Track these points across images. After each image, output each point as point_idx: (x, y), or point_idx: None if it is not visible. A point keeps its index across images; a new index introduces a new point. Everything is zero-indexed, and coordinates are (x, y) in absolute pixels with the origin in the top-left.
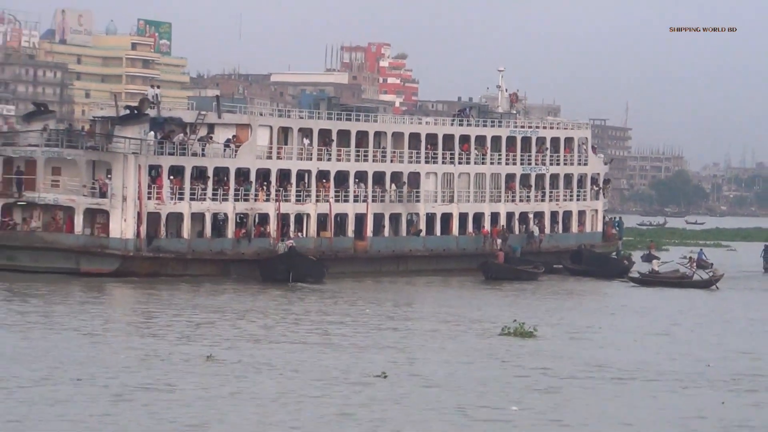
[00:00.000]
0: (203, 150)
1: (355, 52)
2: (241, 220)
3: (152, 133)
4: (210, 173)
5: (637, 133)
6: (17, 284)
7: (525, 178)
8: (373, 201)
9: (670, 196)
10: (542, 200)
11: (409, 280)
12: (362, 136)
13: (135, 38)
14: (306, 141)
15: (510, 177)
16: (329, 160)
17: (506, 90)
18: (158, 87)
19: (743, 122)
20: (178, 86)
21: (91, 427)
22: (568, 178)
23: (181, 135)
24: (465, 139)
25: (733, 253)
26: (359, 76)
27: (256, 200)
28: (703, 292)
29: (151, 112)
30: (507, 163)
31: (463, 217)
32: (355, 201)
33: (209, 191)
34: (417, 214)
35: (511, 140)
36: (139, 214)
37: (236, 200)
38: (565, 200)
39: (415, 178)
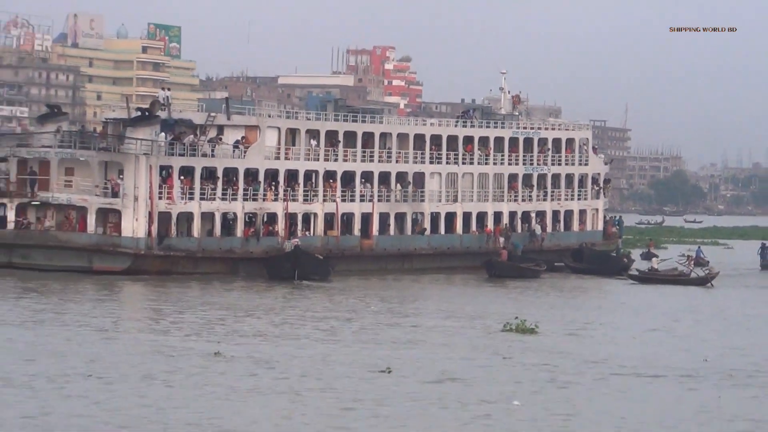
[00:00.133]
0: (213, 151)
1: (361, 55)
2: (250, 219)
3: (163, 134)
4: (219, 173)
5: (636, 134)
6: (31, 282)
7: (527, 178)
8: (378, 200)
9: (668, 196)
10: (544, 200)
11: (414, 277)
12: (368, 137)
13: (145, 42)
14: (313, 142)
15: (513, 177)
16: (336, 160)
17: (509, 92)
18: (169, 89)
19: (740, 123)
20: (187, 89)
21: (102, 421)
22: (569, 178)
23: (192, 136)
24: (468, 140)
25: (730, 251)
26: (364, 79)
27: (264, 200)
28: (700, 289)
29: (162, 114)
30: (510, 164)
31: (466, 216)
32: (362, 200)
33: (219, 191)
34: (422, 213)
35: (513, 141)
36: (150, 214)
37: (245, 200)
38: (566, 199)
39: (419, 178)
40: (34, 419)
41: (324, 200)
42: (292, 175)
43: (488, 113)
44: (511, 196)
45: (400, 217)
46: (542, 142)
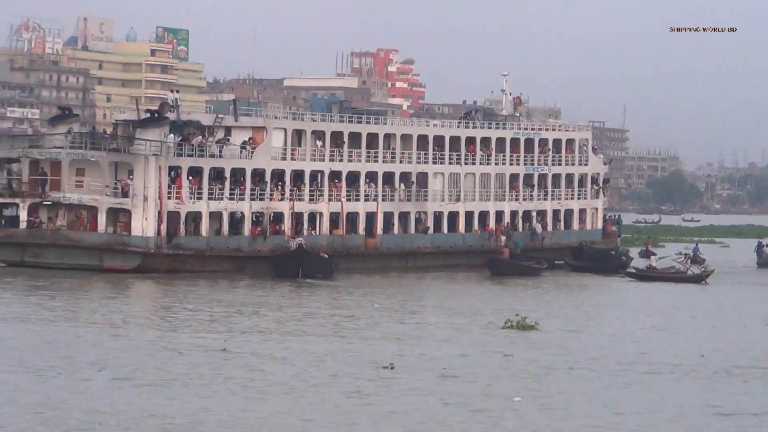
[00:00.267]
0: (221, 152)
1: (365, 57)
2: (257, 218)
3: (172, 135)
4: (227, 174)
5: (635, 135)
6: (43, 280)
7: (528, 177)
8: (383, 200)
9: (666, 195)
10: (545, 199)
11: (418, 275)
12: (372, 138)
13: (154, 45)
14: (319, 143)
15: (514, 177)
16: (341, 161)
17: (510, 93)
18: (177, 91)
19: (736, 123)
20: (195, 91)
21: (111, 413)
22: (569, 177)
23: (200, 137)
24: (471, 140)
25: (727, 249)
26: (368, 81)
27: (271, 199)
28: (695, 286)
29: (171, 116)
30: (511, 164)
31: (469, 215)
32: (366, 200)
33: (226, 191)
34: (425, 213)
35: (514, 142)
36: (159, 213)
37: (252, 200)
38: (566, 199)
39: (423, 178)
40: (44, 413)
41: (329, 200)
42: (298, 176)
43: (490, 114)
44: (512, 196)
45: (404, 217)
46: (543, 142)
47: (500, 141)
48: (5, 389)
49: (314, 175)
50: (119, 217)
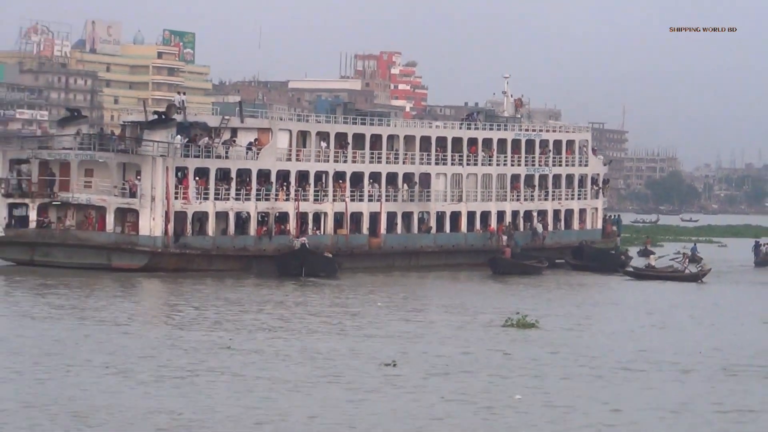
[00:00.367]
0: (227, 152)
1: (368, 60)
2: (263, 218)
3: (179, 136)
4: (233, 174)
5: (634, 136)
6: (52, 279)
7: (529, 178)
8: (386, 200)
9: (664, 195)
10: (545, 199)
11: (420, 274)
12: (376, 139)
13: (161, 47)
14: (323, 144)
15: (515, 177)
16: (345, 161)
17: (511, 95)
18: (184, 93)
19: (733, 124)
20: (201, 93)
21: (118, 409)
22: (569, 178)
23: (206, 138)
24: (473, 141)
25: (724, 248)
26: (371, 83)
27: (276, 200)
28: (693, 285)
29: (178, 117)
30: (512, 165)
31: (471, 215)
32: (370, 200)
33: (232, 191)
34: (428, 213)
35: (516, 143)
36: (166, 213)
37: (258, 200)
38: (566, 199)
39: (426, 179)
40: (51, 409)
41: (334, 200)
42: (303, 176)
43: (491, 116)
44: (513, 196)
45: (407, 216)
46: (543, 143)
47: (502, 142)
48: (13, 386)
49: (319, 175)
50: (127, 217)
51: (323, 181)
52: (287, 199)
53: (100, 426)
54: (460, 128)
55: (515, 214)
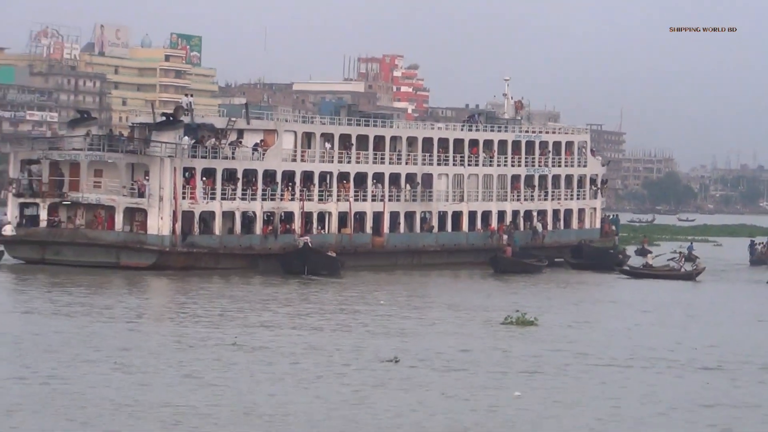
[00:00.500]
0: (233, 153)
1: (371, 62)
2: (268, 218)
3: (186, 138)
4: (240, 175)
5: (631, 137)
6: (62, 277)
7: (529, 178)
8: (389, 200)
9: (661, 196)
10: (545, 199)
11: (423, 273)
12: (379, 140)
13: (168, 50)
14: (328, 145)
15: (515, 178)
16: (349, 162)
17: (511, 97)
18: (191, 95)
19: (729, 126)
20: (207, 95)
21: (126, 404)
22: (568, 178)
23: (213, 140)
24: (474, 143)
25: (720, 248)
26: (374, 85)
27: (282, 200)
28: (689, 283)
29: (186, 119)
30: (513, 165)
31: (472, 214)
32: (373, 200)
33: (239, 191)
34: (430, 212)
35: (516, 144)
36: (174, 213)
37: (264, 200)
38: (566, 199)
39: (428, 179)
40: (57, 406)
41: (338, 200)
42: (307, 176)
43: (492, 118)
44: (514, 196)
45: (410, 216)
46: (543, 145)
47: (502, 143)
48: (23, 383)
49: (323, 176)
50: (136, 216)
51: (327, 181)
52: (292, 199)
53: (107, 421)
54: (462, 130)
55: (515, 213)
